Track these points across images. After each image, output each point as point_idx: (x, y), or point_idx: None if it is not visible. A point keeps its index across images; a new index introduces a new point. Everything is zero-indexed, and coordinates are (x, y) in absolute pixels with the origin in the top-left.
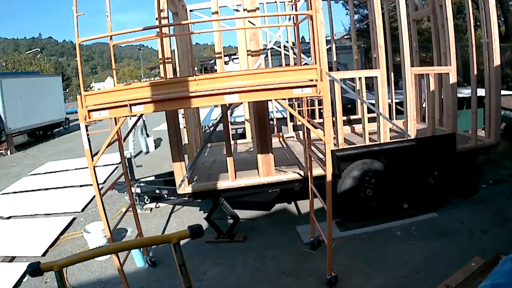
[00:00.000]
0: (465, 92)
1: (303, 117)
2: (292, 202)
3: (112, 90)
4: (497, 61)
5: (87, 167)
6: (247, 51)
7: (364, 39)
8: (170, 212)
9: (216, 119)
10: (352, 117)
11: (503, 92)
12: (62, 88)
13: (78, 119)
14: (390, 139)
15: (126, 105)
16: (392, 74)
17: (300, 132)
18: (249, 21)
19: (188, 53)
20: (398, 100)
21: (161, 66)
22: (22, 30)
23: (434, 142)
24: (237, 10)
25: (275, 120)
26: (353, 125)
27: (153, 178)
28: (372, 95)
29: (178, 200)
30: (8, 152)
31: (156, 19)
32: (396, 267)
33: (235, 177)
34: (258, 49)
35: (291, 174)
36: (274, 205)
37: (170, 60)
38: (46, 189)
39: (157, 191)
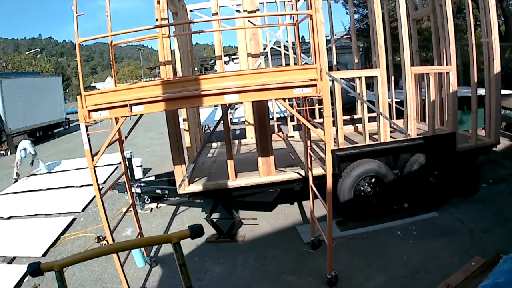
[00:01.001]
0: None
1: (303, 117)
2: (293, 202)
3: (112, 90)
4: (497, 60)
5: (87, 167)
6: (248, 53)
7: (364, 39)
8: (171, 212)
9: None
10: (355, 116)
11: (503, 91)
12: (62, 88)
13: (78, 119)
14: (392, 139)
15: (126, 105)
16: (392, 76)
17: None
18: (249, 21)
19: (188, 53)
20: (398, 100)
21: (161, 66)
22: (22, 30)
23: (434, 141)
24: (238, 11)
25: (275, 119)
26: (356, 124)
27: (153, 178)
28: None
29: (178, 200)
30: (9, 153)
31: (156, 20)
32: (397, 267)
33: (236, 177)
34: (258, 48)
35: (291, 174)
36: (276, 205)
37: (170, 60)
38: (47, 189)
39: (157, 191)
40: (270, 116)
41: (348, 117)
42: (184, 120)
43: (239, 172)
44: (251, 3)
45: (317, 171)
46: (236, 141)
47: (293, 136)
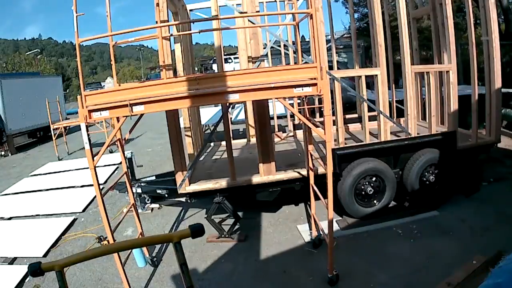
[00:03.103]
0: None
1: (304, 116)
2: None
3: (112, 90)
4: (497, 59)
5: (88, 168)
6: (247, 52)
7: (364, 38)
8: (172, 212)
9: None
10: None
11: (504, 90)
12: (62, 88)
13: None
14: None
15: (126, 105)
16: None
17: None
18: (249, 20)
19: (188, 53)
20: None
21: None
22: (22, 31)
23: (434, 140)
24: (241, 12)
25: (275, 118)
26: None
27: (153, 178)
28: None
29: (179, 199)
30: (9, 153)
31: (156, 22)
32: (398, 266)
33: (236, 177)
34: (258, 48)
35: (291, 173)
36: (281, 206)
37: (170, 64)
38: (47, 189)
39: (158, 191)
40: (271, 116)
41: (355, 115)
42: (185, 128)
43: (239, 171)
44: (251, 2)
45: (318, 170)
46: (236, 141)
47: (293, 135)
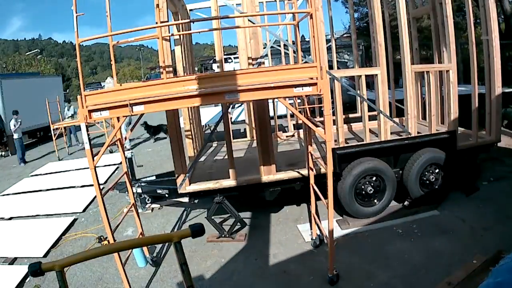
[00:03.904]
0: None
1: (304, 116)
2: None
3: (112, 90)
4: (497, 58)
5: (88, 168)
6: (247, 52)
7: (364, 38)
8: (172, 212)
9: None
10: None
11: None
12: (62, 88)
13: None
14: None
15: (126, 105)
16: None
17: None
18: (248, 20)
19: (188, 53)
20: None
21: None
22: (22, 31)
23: (434, 139)
24: (241, 12)
25: (275, 118)
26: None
27: (153, 178)
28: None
29: (179, 199)
30: (9, 153)
31: (156, 22)
32: (398, 265)
33: (236, 176)
34: (258, 48)
35: (292, 173)
36: (283, 207)
37: (170, 65)
38: (47, 190)
39: (158, 191)
40: (271, 116)
41: (358, 114)
42: (186, 131)
43: (240, 171)
44: (251, 2)
45: (318, 170)
46: (237, 141)
47: (293, 135)
